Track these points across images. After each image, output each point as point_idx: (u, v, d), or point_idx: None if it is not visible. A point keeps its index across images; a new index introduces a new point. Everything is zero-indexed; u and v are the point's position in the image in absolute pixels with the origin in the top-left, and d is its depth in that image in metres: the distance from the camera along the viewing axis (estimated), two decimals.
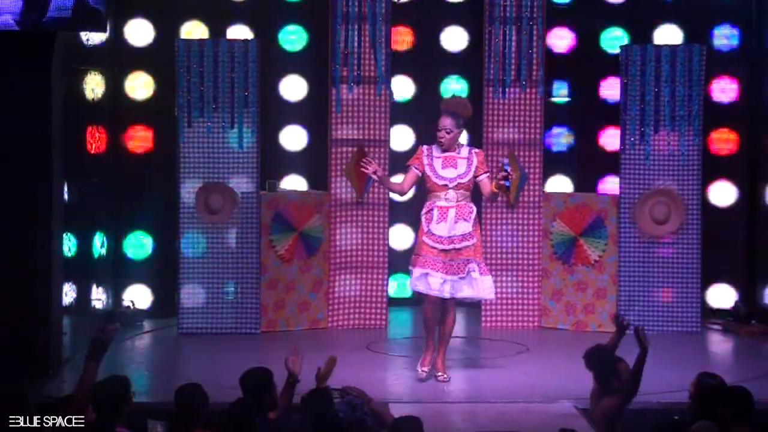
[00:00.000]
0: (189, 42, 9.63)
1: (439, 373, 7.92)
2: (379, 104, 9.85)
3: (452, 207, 7.82)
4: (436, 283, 7.75)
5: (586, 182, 10.58)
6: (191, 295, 9.53)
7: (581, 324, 9.90)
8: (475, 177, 7.93)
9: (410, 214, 10.62)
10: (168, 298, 9.99)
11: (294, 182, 10.55)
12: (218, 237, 9.59)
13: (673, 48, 9.71)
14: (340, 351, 8.78)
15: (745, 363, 8.78)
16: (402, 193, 8.13)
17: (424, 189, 8.05)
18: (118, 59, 10.09)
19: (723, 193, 10.54)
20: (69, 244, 8.60)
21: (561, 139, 10.63)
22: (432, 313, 7.90)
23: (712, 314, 10.24)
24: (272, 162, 10.20)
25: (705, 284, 10.11)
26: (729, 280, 10.48)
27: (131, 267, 10.19)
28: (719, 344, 9.71)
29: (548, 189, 10.40)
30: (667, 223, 9.72)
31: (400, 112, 10.45)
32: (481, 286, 7.83)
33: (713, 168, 10.26)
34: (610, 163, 10.19)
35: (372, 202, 9.90)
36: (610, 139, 10.53)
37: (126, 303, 10.11)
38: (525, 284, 9.95)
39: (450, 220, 7.78)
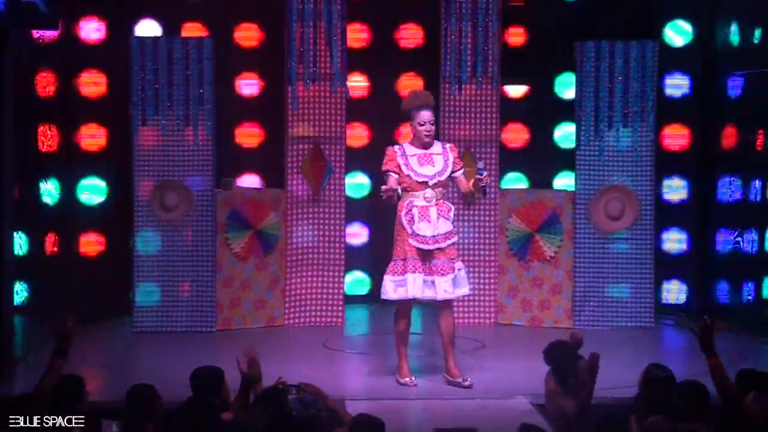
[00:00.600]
0: (143, 39, 9.57)
1: (460, 378, 7.65)
2: (335, 101, 9.83)
3: (432, 206, 7.62)
4: (419, 286, 7.55)
5: (541, 178, 10.62)
6: (146, 293, 9.49)
7: (537, 320, 9.94)
8: (451, 173, 7.74)
9: (366, 211, 10.75)
10: (121, 296, 9.94)
11: (250, 180, 10.52)
12: (173, 235, 9.55)
13: (626, 44, 9.74)
14: (297, 348, 8.97)
15: (699, 358, 8.72)
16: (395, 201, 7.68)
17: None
18: (71, 57, 10.00)
19: (676, 189, 10.60)
20: (20, 243, 8.51)
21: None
22: (406, 326, 7.73)
23: (665, 310, 10.30)
24: (228, 160, 10.16)
25: (658, 280, 10.15)
26: (682, 276, 10.55)
27: (84, 265, 10.11)
28: (673, 339, 9.78)
29: (504, 186, 10.45)
30: (621, 219, 9.77)
31: (356, 109, 10.43)
32: (462, 283, 7.69)
33: (666, 163, 10.32)
34: (566, 159, 10.23)
35: (328, 200, 9.89)
36: (565, 135, 10.60)
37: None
38: (481, 281, 9.96)
39: (433, 220, 7.59)
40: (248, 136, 10.56)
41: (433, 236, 7.59)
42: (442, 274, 7.59)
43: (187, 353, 8.57)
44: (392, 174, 7.66)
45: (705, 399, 5.34)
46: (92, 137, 10.12)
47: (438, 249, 7.60)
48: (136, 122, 9.48)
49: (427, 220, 7.60)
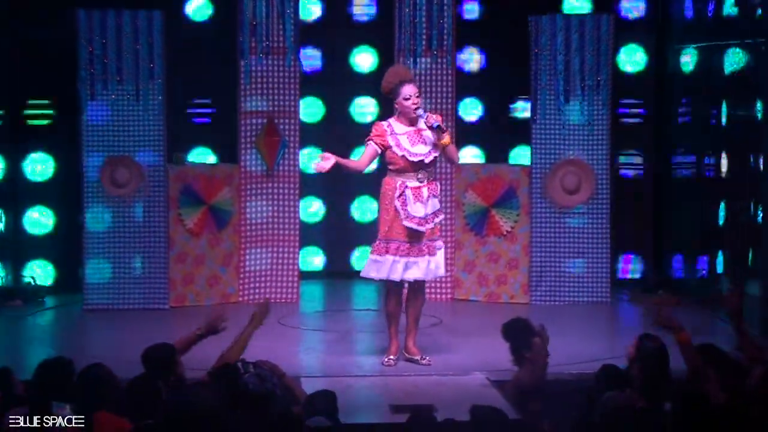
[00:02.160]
0: (90, 12, 9.45)
1: (419, 357, 7.63)
2: (288, 75, 9.78)
3: (424, 186, 7.52)
4: (400, 268, 7.48)
5: (497, 153, 10.64)
6: (96, 270, 9.44)
7: (494, 295, 9.95)
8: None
9: (320, 187, 10.72)
10: (71, 273, 9.89)
11: (202, 155, 10.49)
12: (124, 211, 9.52)
13: (581, 17, 9.75)
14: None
15: (654, 333, 8.85)
16: (360, 171, 7.62)
17: (382, 166, 7.77)
18: (17, 31, 9.91)
19: (631, 163, 10.65)
20: None
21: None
22: (395, 305, 7.66)
23: (621, 285, 10.37)
24: (179, 135, 10.11)
25: (614, 255, 10.22)
26: (637, 250, 10.61)
27: (32, 243, 10.06)
28: (628, 314, 9.84)
29: (460, 160, 10.35)
30: (577, 194, 9.78)
31: (309, 84, 10.41)
32: (444, 265, 7.66)
33: (621, 138, 10.36)
34: (522, 133, 10.24)
35: (282, 175, 9.85)
36: (520, 108, 10.61)
37: (26, 279, 10.00)
38: None
39: (425, 200, 7.51)
40: (200, 110, 10.56)
41: (424, 217, 7.52)
42: (430, 254, 7.55)
43: (139, 331, 8.54)
44: (374, 145, 7.48)
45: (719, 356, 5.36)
46: (39, 112, 10.07)
47: (429, 229, 7.55)
48: (84, 97, 9.40)
49: (421, 201, 7.52)
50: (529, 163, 9.91)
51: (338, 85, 10.72)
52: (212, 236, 9.75)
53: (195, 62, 10.31)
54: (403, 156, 7.49)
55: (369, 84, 10.33)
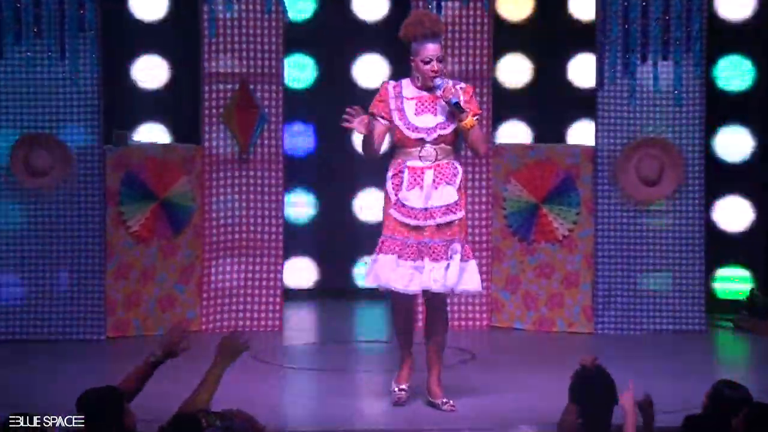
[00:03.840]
0: None
1: (440, 400, 7.73)
2: (269, 26, 9.81)
3: (429, 168, 7.65)
4: (405, 275, 7.62)
5: (550, 129, 10.62)
6: (4, 289, 9.48)
7: (545, 322, 9.95)
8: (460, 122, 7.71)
9: (312, 175, 10.77)
10: None
11: (153, 132, 10.50)
12: (44, 208, 9.52)
13: None
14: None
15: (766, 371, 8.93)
16: (376, 155, 7.80)
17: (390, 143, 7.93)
18: None
19: (735, 143, 10.60)
20: None
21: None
22: (405, 316, 7.79)
23: (720, 307, 10.36)
24: (121, 105, 10.19)
25: (710, 267, 10.21)
26: (742, 260, 10.59)
27: None
28: (731, 346, 9.87)
29: (500, 139, 10.44)
30: (659, 184, 9.77)
31: (297, 36, 10.38)
32: (462, 275, 7.66)
33: (722, 109, 10.35)
34: (584, 103, 10.23)
35: (262, 160, 9.89)
36: (581, 70, 10.59)
37: None
38: None
39: (427, 186, 7.62)
40: (149, 72, 10.55)
41: (426, 209, 7.63)
42: (434, 259, 7.64)
43: (64, 372, 8.54)
44: (380, 120, 7.69)
45: None
46: None
47: (435, 226, 7.64)
48: None
49: (419, 186, 7.64)
50: (593, 144, 9.90)
51: (336, 38, 10.70)
52: (166, 242, 9.76)
53: (141, 8, 10.30)
54: (397, 127, 7.69)
55: (377, 37, 10.40)
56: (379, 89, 7.79)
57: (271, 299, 9.88)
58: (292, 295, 10.40)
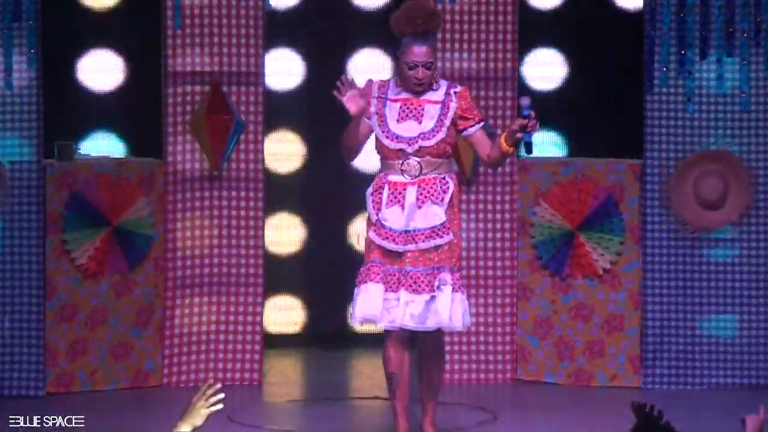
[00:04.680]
0: None
1: None
2: (247, 15, 9.80)
3: (412, 183, 7.83)
4: (388, 306, 7.81)
5: (588, 141, 10.64)
6: None
7: (583, 375, 9.92)
8: (460, 131, 7.85)
9: (299, 196, 10.89)
10: None
11: (104, 144, 10.51)
12: None
13: None
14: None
15: None
16: (354, 149, 8.00)
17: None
18: None
19: None
20: None
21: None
22: (396, 363, 7.91)
23: None
24: (66, 111, 10.22)
25: None
26: None
27: None
28: None
29: (527, 153, 10.27)
30: (722, 208, 9.76)
31: (280, 28, 10.48)
32: (448, 309, 7.78)
33: None
34: (629, 108, 10.24)
35: (238, 177, 9.87)
36: (626, 69, 10.50)
37: None
38: (490, 310, 9.96)
39: (409, 205, 7.78)
40: (100, 71, 10.58)
41: (406, 231, 7.79)
42: (414, 291, 7.80)
43: None
44: (364, 119, 7.87)
45: None
46: None
47: (416, 252, 7.80)
48: None
49: (400, 204, 7.81)
50: (640, 159, 9.87)
51: (327, 29, 10.77)
52: (119, 278, 9.72)
53: None
54: (376, 134, 7.92)
55: (375, 28, 10.41)
56: (364, 85, 7.95)
57: (248, 347, 9.84)
58: (273, 342, 10.46)
